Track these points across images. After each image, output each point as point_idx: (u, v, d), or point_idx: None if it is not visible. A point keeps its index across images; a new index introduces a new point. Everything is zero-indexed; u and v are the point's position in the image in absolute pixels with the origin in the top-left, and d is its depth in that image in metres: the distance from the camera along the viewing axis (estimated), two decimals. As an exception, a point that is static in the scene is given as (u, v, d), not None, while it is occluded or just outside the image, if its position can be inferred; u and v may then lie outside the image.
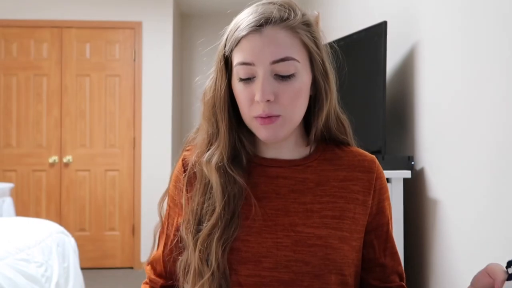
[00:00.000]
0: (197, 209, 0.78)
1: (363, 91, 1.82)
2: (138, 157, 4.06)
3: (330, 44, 0.86)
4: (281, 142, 0.80)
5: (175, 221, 0.84)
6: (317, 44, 0.76)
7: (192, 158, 0.82)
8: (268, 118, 0.72)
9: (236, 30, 0.74)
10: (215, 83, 0.78)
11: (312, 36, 0.76)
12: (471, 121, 1.27)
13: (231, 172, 0.76)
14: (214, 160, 0.77)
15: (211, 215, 0.75)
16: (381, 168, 0.84)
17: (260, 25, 0.72)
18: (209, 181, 0.78)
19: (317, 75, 0.77)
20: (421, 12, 1.64)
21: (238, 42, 0.73)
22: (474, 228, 1.26)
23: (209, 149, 0.79)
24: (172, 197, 0.86)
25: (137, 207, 4.03)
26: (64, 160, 3.98)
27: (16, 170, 3.98)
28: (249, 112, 0.74)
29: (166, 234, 0.86)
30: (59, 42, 4.02)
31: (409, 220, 1.69)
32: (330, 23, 3.22)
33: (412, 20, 1.73)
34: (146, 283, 0.91)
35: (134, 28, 4.07)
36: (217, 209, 0.75)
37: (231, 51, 0.75)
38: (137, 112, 4.07)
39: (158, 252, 0.88)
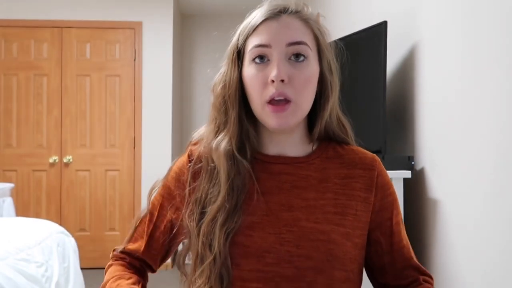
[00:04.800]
0: (201, 196, 0.79)
1: (363, 91, 1.82)
2: (138, 157, 4.06)
3: (335, 42, 0.87)
4: (287, 137, 0.82)
5: (168, 213, 0.84)
6: (325, 39, 0.81)
7: (199, 150, 0.84)
8: (281, 106, 0.74)
9: (251, 20, 0.79)
10: (227, 73, 0.81)
11: (321, 30, 0.81)
12: (471, 121, 1.27)
13: (238, 157, 0.78)
14: (223, 145, 0.79)
15: (215, 200, 0.77)
16: (382, 166, 0.84)
17: (279, 11, 0.77)
18: (214, 167, 0.79)
19: (324, 69, 0.80)
20: (421, 12, 1.64)
21: (255, 29, 0.77)
22: (474, 228, 1.26)
23: (217, 137, 0.81)
24: (169, 189, 0.86)
25: (137, 207, 4.03)
26: (64, 160, 3.98)
27: (17, 170, 3.98)
28: (262, 96, 0.76)
29: (155, 225, 0.86)
30: (59, 42, 4.02)
31: (409, 220, 1.69)
32: (330, 23, 3.22)
33: (412, 20, 1.73)
34: (117, 259, 0.88)
35: (134, 28, 4.07)
36: (222, 193, 0.76)
37: (245, 39, 0.79)
38: (137, 112, 4.07)
39: (138, 244, 0.87)
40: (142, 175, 4.05)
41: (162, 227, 0.85)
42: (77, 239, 2.67)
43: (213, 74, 0.86)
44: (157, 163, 4.01)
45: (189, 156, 0.85)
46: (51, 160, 3.97)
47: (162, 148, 4.08)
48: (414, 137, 1.69)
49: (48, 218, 3.83)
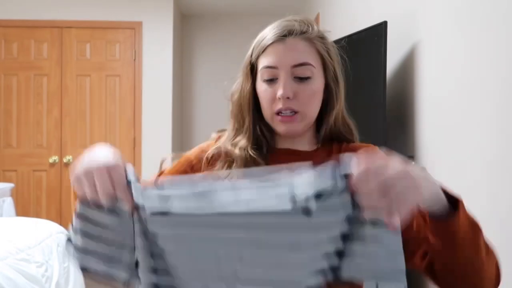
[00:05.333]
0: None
1: (363, 91, 1.82)
2: (138, 157, 4.06)
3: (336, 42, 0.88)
4: (296, 138, 0.90)
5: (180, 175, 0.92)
6: (329, 54, 0.88)
7: (221, 143, 0.93)
8: (288, 117, 0.85)
9: (262, 40, 0.88)
10: (242, 85, 0.91)
11: (325, 47, 0.88)
12: (471, 121, 1.27)
13: (252, 155, 0.88)
14: (239, 145, 0.90)
15: None
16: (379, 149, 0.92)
17: (284, 35, 0.85)
18: (233, 160, 0.89)
19: (329, 80, 0.89)
20: (421, 12, 1.64)
21: (264, 49, 0.86)
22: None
23: (235, 139, 0.91)
24: (189, 159, 0.94)
25: (137, 207, 4.03)
26: (65, 160, 3.99)
27: (17, 170, 3.98)
28: (271, 108, 0.87)
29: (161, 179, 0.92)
30: (59, 42, 4.03)
31: (409, 220, 1.68)
32: (330, 23, 3.22)
33: (412, 20, 1.73)
34: None
35: (134, 28, 4.07)
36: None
37: (257, 58, 0.88)
38: (137, 112, 4.07)
39: None
40: (142, 175, 4.05)
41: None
42: (77, 239, 2.67)
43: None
44: (157, 163, 3.98)
45: (216, 140, 0.95)
46: (51, 160, 3.97)
47: (162, 148, 4.08)
48: (414, 137, 1.69)
49: (48, 218, 3.83)
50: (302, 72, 0.85)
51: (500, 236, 1.13)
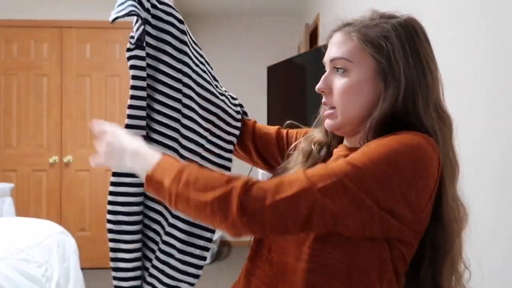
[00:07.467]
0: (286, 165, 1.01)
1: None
2: (138, 157, 4.05)
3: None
4: (347, 136, 0.91)
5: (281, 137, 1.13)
6: (374, 43, 0.84)
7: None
8: (328, 112, 0.88)
9: None
10: None
11: (368, 37, 0.85)
12: (471, 122, 1.27)
13: (313, 147, 0.96)
14: (310, 138, 0.98)
15: (293, 166, 0.97)
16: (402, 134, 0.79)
17: (333, 30, 0.92)
18: (302, 150, 0.98)
19: (379, 73, 0.83)
20: (421, 12, 1.64)
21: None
22: (474, 228, 1.26)
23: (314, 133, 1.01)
24: (298, 132, 1.11)
25: (137, 207, 4.02)
26: (65, 160, 3.98)
27: (17, 170, 3.98)
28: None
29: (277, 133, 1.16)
30: (59, 42, 4.02)
31: (409, 220, 1.68)
32: (329, 22, 3.21)
33: (412, 20, 1.73)
34: None
35: (134, 28, 4.07)
36: (298, 163, 0.95)
37: None
38: (137, 112, 4.06)
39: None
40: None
41: (275, 136, 1.12)
42: (77, 239, 2.67)
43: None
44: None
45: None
46: (51, 160, 3.97)
47: (162, 148, 4.08)
48: (414, 137, 1.69)
49: (48, 218, 3.83)
50: (336, 64, 0.86)
51: (503, 237, 1.13)
